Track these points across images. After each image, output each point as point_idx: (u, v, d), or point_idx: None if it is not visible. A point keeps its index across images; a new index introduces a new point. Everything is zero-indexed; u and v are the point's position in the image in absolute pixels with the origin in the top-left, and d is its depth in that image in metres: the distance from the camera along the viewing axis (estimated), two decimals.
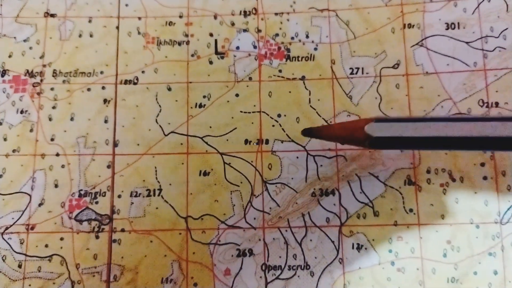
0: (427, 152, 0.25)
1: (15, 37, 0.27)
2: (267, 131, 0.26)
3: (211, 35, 0.27)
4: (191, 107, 0.26)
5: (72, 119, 0.26)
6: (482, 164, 0.25)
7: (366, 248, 0.25)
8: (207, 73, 0.27)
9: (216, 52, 0.27)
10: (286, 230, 0.25)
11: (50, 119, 0.26)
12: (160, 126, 0.26)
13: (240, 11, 0.27)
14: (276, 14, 0.27)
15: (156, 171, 0.25)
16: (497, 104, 0.26)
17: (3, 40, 0.27)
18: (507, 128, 0.19)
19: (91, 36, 0.27)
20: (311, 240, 0.25)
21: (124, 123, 0.26)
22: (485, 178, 0.25)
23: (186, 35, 0.27)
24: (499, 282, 0.24)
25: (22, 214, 0.25)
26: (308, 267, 0.25)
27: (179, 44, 0.27)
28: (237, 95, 0.26)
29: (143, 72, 0.27)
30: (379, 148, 0.21)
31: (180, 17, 0.27)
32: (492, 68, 0.26)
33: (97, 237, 0.25)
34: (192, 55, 0.27)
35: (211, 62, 0.27)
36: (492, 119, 0.20)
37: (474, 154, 0.25)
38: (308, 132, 0.23)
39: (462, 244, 0.24)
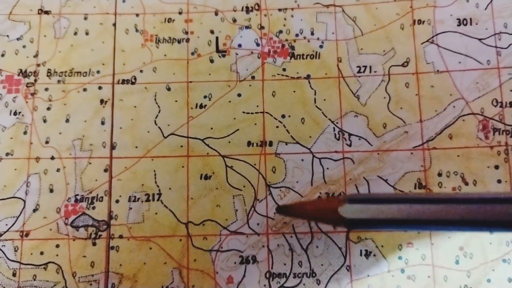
0: (438, 154, 0.24)
1: (7, 35, 0.26)
2: (270, 132, 0.25)
3: (212, 32, 0.26)
4: (192, 108, 0.25)
5: (67, 120, 0.25)
6: (496, 167, 0.24)
7: (374, 255, 0.24)
8: (208, 72, 0.26)
9: (217, 50, 0.26)
10: (291, 236, 0.24)
11: (44, 121, 0.25)
12: (159, 127, 0.25)
13: (242, 7, 0.26)
14: (279, 10, 0.26)
15: (155, 174, 0.24)
16: (511, 104, 0.25)
17: None
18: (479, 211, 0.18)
19: (87, 34, 0.26)
20: (317, 246, 0.24)
21: (122, 125, 0.25)
22: (499, 181, 0.24)
23: (186, 33, 0.26)
24: None
25: (16, 220, 0.24)
26: (314, 274, 0.24)
27: (179, 42, 0.26)
28: (239, 95, 0.25)
29: (141, 71, 0.26)
30: (355, 228, 0.21)
31: (180, 13, 0.26)
32: (506, 66, 0.25)
33: (94, 244, 0.24)
34: (192, 53, 0.26)
35: (212, 61, 0.26)
36: (468, 200, 0.19)
37: (488, 156, 0.24)
38: (283, 210, 0.23)
39: (475, 251, 0.24)
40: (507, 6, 0.25)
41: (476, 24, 0.25)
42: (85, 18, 0.26)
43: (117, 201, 0.24)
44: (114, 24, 0.26)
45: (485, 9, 0.26)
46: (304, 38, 0.26)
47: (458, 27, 0.26)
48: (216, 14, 0.26)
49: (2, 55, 0.26)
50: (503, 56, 0.25)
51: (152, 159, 0.25)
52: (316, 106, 0.25)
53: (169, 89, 0.25)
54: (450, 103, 0.25)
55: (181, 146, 0.25)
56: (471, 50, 0.25)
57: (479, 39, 0.25)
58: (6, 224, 0.24)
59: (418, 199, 0.19)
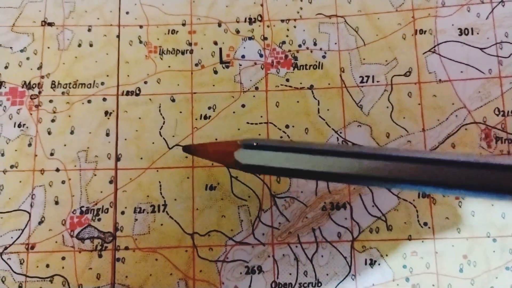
0: None
1: (11, 47, 0.26)
2: None
3: (215, 43, 0.26)
4: (196, 119, 0.25)
5: (72, 132, 0.25)
6: None
7: (379, 264, 0.24)
8: (212, 83, 0.26)
9: (221, 61, 0.26)
10: (296, 246, 0.24)
11: (49, 133, 0.25)
12: (164, 139, 0.25)
13: (245, 18, 0.26)
14: (282, 21, 0.26)
15: (160, 186, 0.25)
16: None
17: None
18: (363, 166, 0.17)
19: (91, 45, 0.26)
20: (322, 256, 0.24)
21: (127, 136, 0.25)
22: None
23: (190, 44, 0.26)
24: None
25: (21, 233, 0.24)
26: (319, 284, 0.24)
27: (183, 53, 0.26)
28: (243, 105, 0.25)
29: (145, 82, 0.26)
30: (251, 172, 0.20)
31: (183, 25, 0.26)
32: (507, 75, 0.25)
33: (100, 255, 0.24)
34: (196, 65, 0.26)
35: (215, 72, 0.26)
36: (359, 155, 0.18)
37: None
38: (188, 149, 0.23)
39: (478, 259, 0.24)
40: (508, 15, 0.26)
41: (478, 33, 0.26)
42: (89, 30, 0.26)
43: (122, 213, 0.24)
44: (118, 36, 0.26)
45: (486, 18, 0.26)
46: (307, 48, 0.26)
47: (459, 37, 0.26)
48: (220, 25, 0.26)
49: (6, 67, 0.26)
50: (505, 65, 0.25)
51: (157, 170, 0.25)
52: (320, 116, 0.25)
53: (173, 100, 0.26)
54: (452, 112, 0.25)
55: (186, 157, 0.25)
56: (472, 59, 0.25)
57: (481, 49, 0.26)
58: (12, 237, 0.24)
59: (309, 150, 0.18)
